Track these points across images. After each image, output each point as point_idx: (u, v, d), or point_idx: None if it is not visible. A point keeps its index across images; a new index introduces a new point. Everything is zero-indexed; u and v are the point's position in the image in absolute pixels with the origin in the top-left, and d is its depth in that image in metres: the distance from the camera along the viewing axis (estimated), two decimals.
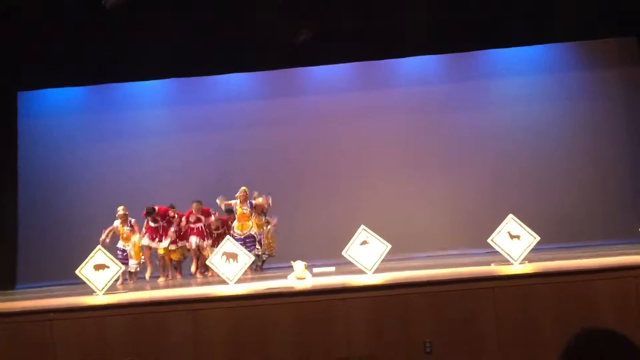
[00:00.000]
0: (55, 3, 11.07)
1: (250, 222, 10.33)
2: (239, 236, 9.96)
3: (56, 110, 13.24)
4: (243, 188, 10.43)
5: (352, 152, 12.58)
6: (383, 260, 7.37)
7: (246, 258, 7.44)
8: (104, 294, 7.14)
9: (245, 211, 10.33)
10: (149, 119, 13.26)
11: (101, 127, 13.16)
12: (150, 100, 13.41)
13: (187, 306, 5.41)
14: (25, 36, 11.46)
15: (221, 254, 7.44)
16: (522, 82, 12.81)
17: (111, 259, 7.46)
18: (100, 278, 7.25)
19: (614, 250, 8.18)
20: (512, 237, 7.19)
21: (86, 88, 13.22)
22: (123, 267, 7.64)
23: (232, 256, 7.43)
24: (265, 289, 6.02)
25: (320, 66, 12.96)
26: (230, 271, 7.27)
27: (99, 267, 7.28)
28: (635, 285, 5.32)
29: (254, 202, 10.45)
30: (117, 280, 8.39)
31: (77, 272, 7.37)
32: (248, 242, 10.07)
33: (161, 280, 9.75)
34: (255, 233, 10.37)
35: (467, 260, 9.08)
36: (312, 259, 8.49)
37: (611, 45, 12.60)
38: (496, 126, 12.62)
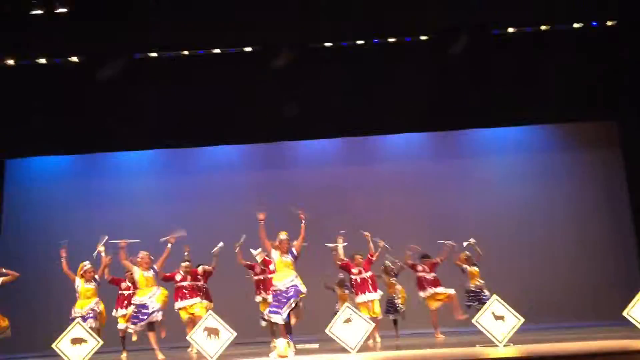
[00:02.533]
0: (46, 71, 11.33)
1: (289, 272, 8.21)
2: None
3: (43, 177, 13.27)
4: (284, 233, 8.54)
5: (338, 226, 12.59)
6: (366, 338, 7.28)
7: (228, 334, 7.29)
8: None
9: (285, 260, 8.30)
10: (135, 187, 13.31)
11: (87, 194, 13.19)
12: (135, 169, 13.50)
13: None
14: (15, 104, 11.62)
15: (202, 329, 7.30)
16: (505, 162, 13.11)
17: (89, 333, 7.28)
18: (76, 353, 7.05)
19: (598, 333, 8.14)
20: (496, 317, 7.16)
21: (73, 156, 13.31)
22: (101, 342, 7.42)
23: (213, 332, 7.29)
24: None
25: (307, 140, 13.19)
26: (211, 348, 7.11)
27: (76, 341, 7.10)
28: None
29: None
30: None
31: (53, 345, 7.17)
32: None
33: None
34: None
35: (452, 340, 8.98)
36: (296, 334, 8.33)
37: (592, 128, 12.98)
38: (480, 205, 12.79)
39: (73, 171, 13.53)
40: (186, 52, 11.67)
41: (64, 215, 12.97)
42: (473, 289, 10.10)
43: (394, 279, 10.51)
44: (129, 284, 9.41)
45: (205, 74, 11.76)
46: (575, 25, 11.53)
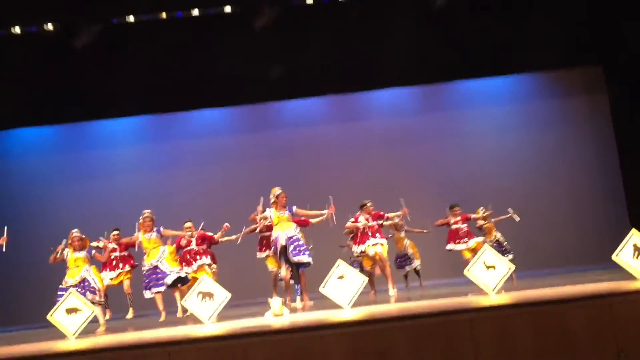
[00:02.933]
0: (24, 41, 11.08)
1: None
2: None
3: (26, 149, 13.09)
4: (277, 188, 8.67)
5: (327, 185, 12.60)
6: (361, 293, 7.34)
7: (222, 296, 7.32)
8: (76, 339, 6.97)
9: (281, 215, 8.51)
10: (121, 156, 13.19)
11: (72, 165, 13.07)
12: (122, 137, 13.35)
13: (161, 349, 5.29)
14: None
15: (197, 293, 7.32)
16: (491, 113, 13.13)
17: (84, 302, 7.29)
18: (72, 322, 7.07)
19: (587, 277, 8.26)
20: (487, 267, 7.23)
21: (56, 126, 13.12)
22: (96, 310, 7.45)
23: (208, 295, 7.31)
24: (242, 328, 5.92)
25: (294, 100, 13.08)
26: (205, 311, 7.15)
27: (71, 310, 7.11)
28: (610, 312, 5.35)
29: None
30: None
31: (48, 316, 7.18)
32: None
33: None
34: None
35: (444, 290, 9.08)
36: (291, 294, 8.42)
37: (577, 74, 12.95)
38: (467, 156, 12.84)
39: (54, 142, 13.35)
40: (164, 15, 11.40)
41: (49, 189, 12.86)
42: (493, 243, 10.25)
43: (403, 233, 10.58)
44: (115, 246, 9.51)
45: (185, 37, 11.55)
46: None
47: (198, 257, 9.28)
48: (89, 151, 13.15)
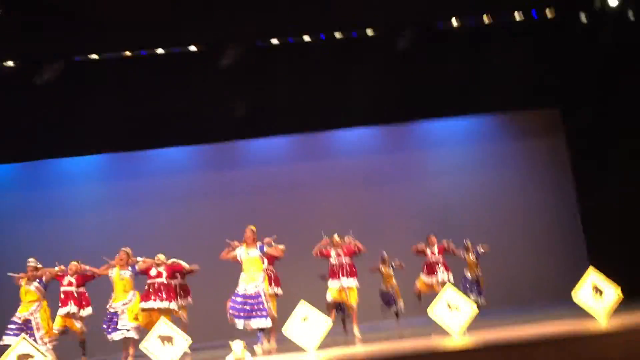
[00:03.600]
0: None
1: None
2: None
3: None
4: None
5: (290, 225, 12.53)
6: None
7: (182, 341, 7.12)
8: None
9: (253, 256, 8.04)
10: (83, 194, 12.93)
11: (33, 202, 12.77)
12: (85, 175, 13.11)
13: None
14: None
15: (156, 337, 7.10)
16: (453, 152, 13.37)
17: (36, 348, 6.99)
18: None
19: (548, 315, 8.31)
20: (451, 307, 7.21)
21: (18, 165, 12.85)
22: (50, 357, 7.14)
23: (167, 339, 7.11)
24: None
25: (258, 139, 13.08)
26: (165, 356, 6.93)
27: (22, 357, 6.80)
28: (576, 355, 5.37)
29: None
30: None
31: None
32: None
33: None
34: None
35: (407, 331, 9.02)
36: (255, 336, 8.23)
37: (535, 115, 13.29)
38: (432, 195, 12.97)
39: (17, 180, 13.03)
40: (128, 54, 11.34)
41: (8, 226, 12.50)
42: (469, 278, 10.41)
43: (390, 270, 10.52)
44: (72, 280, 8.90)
45: (149, 75, 11.48)
46: (517, 16, 11.73)
47: (165, 295, 8.71)
48: (50, 189, 12.86)
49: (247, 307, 7.75)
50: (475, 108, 12.83)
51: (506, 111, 13.26)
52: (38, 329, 8.03)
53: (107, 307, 8.35)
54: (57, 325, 8.61)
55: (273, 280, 9.04)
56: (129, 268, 8.40)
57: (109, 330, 8.21)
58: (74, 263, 9.05)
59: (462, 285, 10.58)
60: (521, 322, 7.98)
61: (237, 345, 7.01)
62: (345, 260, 9.00)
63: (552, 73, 12.19)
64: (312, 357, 6.51)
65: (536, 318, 8.22)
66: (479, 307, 10.06)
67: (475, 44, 11.83)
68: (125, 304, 8.20)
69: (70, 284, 8.86)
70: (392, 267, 10.65)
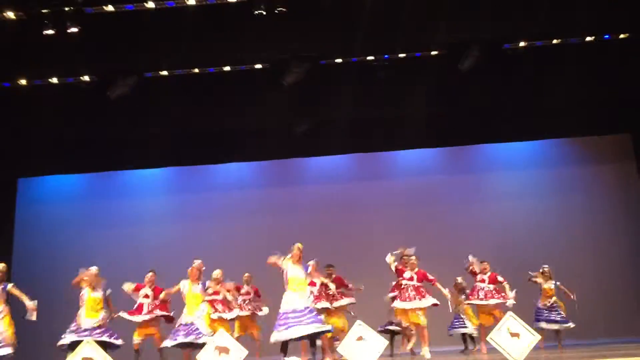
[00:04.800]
0: (57, 91, 11.43)
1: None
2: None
3: (55, 197, 13.32)
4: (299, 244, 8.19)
5: (349, 242, 12.52)
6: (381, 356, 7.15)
7: (239, 352, 7.17)
8: None
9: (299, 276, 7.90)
10: (148, 206, 13.32)
11: (100, 213, 13.24)
12: (150, 188, 13.52)
13: None
14: (26, 123, 11.73)
15: (213, 348, 7.18)
16: (517, 177, 13.02)
17: (100, 353, 7.18)
18: None
19: (616, 351, 7.93)
20: (512, 335, 7.00)
21: (86, 175, 13.37)
22: None
23: (223, 350, 7.17)
24: None
25: (319, 157, 13.17)
26: None
27: None
28: None
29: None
30: None
31: None
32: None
33: None
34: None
35: (465, 358, 8.80)
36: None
37: (605, 141, 12.85)
38: (492, 220, 12.67)
39: (85, 191, 13.58)
40: (196, 70, 11.70)
41: (76, 236, 12.99)
42: (541, 307, 10.11)
43: (462, 297, 10.24)
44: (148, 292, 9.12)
45: (215, 91, 11.79)
46: (588, 38, 11.41)
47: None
48: (117, 200, 13.33)
49: (299, 317, 7.68)
50: (541, 132, 12.53)
51: (573, 136, 12.89)
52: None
53: (180, 320, 8.37)
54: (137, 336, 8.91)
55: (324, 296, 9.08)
56: (200, 284, 8.49)
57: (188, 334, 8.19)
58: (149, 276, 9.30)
59: (535, 314, 10.19)
60: (585, 355, 7.65)
61: None
62: (417, 283, 8.89)
63: (622, 96, 11.78)
64: None
65: (601, 352, 7.86)
66: (560, 333, 9.94)
67: (542, 65, 11.57)
68: (200, 315, 8.30)
69: (146, 296, 9.08)
70: (465, 294, 10.31)
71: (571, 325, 10.11)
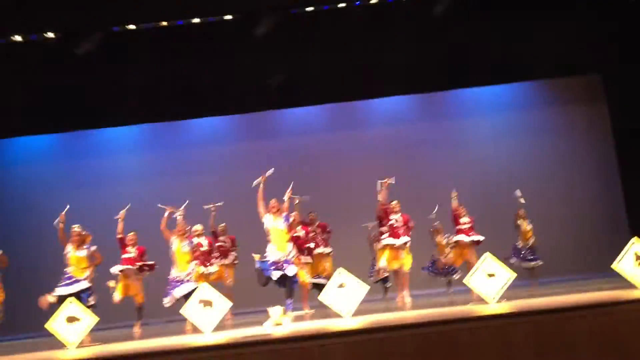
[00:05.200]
0: (25, 50, 11.12)
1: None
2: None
3: (28, 158, 13.11)
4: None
5: (328, 193, 12.60)
6: (362, 301, 7.31)
7: (223, 305, 7.30)
8: (76, 348, 6.96)
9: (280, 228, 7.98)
10: (124, 164, 13.21)
11: (74, 173, 13.10)
12: (124, 145, 13.37)
13: (160, 359, 5.28)
14: None
15: (197, 301, 7.29)
16: (491, 120, 13.15)
17: (84, 311, 7.27)
18: (72, 331, 7.05)
19: (588, 286, 8.25)
20: (488, 275, 7.21)
21: (58, 135, 13.16)
22: (97, 319, 7.40)
23: (207, 303, 7.29)
24: (242, 338, 5.91)
25: (294, 108, 13.10)
26: (205, 320, 7.12)
27: (71, 319, 7.09)
28: (612, 321, 5.34)
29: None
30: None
31: (46, 325, 7.16)
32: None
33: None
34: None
35: (444, 299, 9.07)
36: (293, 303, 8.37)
37: (576, 82, 12.97)
38: (468, 164, 12.83)
39: (57, 150, 13.40)
40: (165, 23, 11.43)
41: (50, 196, 12.85)
42: (519, 247, 10.40)
43: (444, 240, 10.49)
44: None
45: (186, 45, 11.57)
46: None
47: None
48: (90, 159, 13.18)
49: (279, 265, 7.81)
50: (514, 75, 12.58)
51: (545, 78, 12.98)
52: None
53: (171, 277, 8.45)
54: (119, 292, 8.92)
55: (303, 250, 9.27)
56: (186, 242, 8.57)
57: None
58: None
59: (513, 253, 10.54)
60: (559, 291, 7.94)
61: (276, 310, 7.16)
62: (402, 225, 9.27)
63: (591, 37, 11.84)
64: (349, 322, 6.61)
65: (574, 288, 8.17)
66: (534, 271, 10.33)
67: (513, 7, 11.53)
68: (189, 274, 8.38)
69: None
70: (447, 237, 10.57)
71: (540, 262, 10.51)
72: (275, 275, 7.66)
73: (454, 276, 10.53)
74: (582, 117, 13.10)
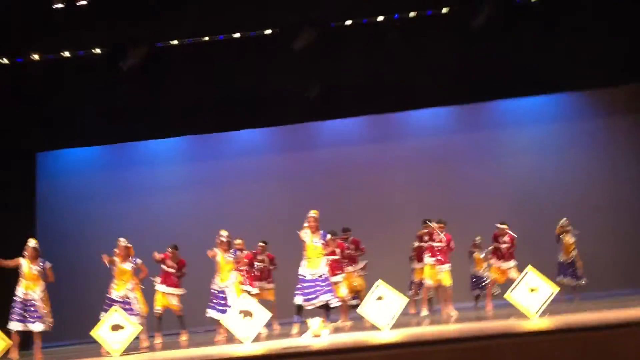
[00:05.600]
0: (74, 65, 11.49)
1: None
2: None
3: (74, 169, 13.52)
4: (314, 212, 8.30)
5: (365, 205, 12.62)
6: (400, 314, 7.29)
7: (262, 315, 7.36)
8: (120, 356, 7.11)
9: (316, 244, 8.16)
10: (165, 175, 13.50)
11: (118, 184, 13.43)
12: (166, 157, 13.66)
13: None
14: (42, 97, 11.84)
15: (237, 311, 7.37)
16: (532, 132, 12.94)
17: (127, 320, 7.43)
18: (116, 339, 7.22)
19: (635, 301, 8.02)
20: (531, 290, 7.09)
21: (103, 147, 13.53)
22: (141, 328, 7.56)
23: (247, 314, 7.36)
24: (282, 349, 5.94)
25: (332, 120, 13.17)
26: (245, 330, 7.20)
27: (115, 327, 7.25)
28: None
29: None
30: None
31: (91, 333, 7.34)
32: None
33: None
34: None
35: (484, 313, 8.96)
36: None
37: (620, 92, 12.69)
38: (507, 176, 12.67)
39: (103, 162, 13.77)
40: (206, 38, 11.66)
41: (97, 207, 13.22)
42: (562, 262, 10.40)
43: (482, 255, 10.59)
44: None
45: (226, 59, 11.76)
46: None
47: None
48: (134, 170, 13.52)
49: (316, 289, 7.94)
50: (556, 86, 12.37)
51: (588, 89, 12.72)
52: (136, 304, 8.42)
53: (213, 286, 8.66)
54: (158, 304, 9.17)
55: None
56: (231, 252, 8.76)
57: (218, 308, 8.51)
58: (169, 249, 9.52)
59: (558, 269, 10.37)
60: (604, 306, 7.75)
61: (315, 321, 7.19)
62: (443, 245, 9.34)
63: (634, 46, 11.57)
64: (387, 335, 6.60)
65: (620, 303, 7.96)
66: (576, 288, 10.07)
67: (556, 17, 11.36)
68: (230, 282, 8.56)
69: (172, 267, 9.41)
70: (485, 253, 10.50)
71: (583, 282, 10.28)
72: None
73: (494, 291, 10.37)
74: (625, 127, 12.79)
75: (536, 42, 11.55)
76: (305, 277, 8.06)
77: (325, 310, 8.09)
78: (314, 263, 8.04)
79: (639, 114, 12.70)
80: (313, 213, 8.25)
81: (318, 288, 8.00)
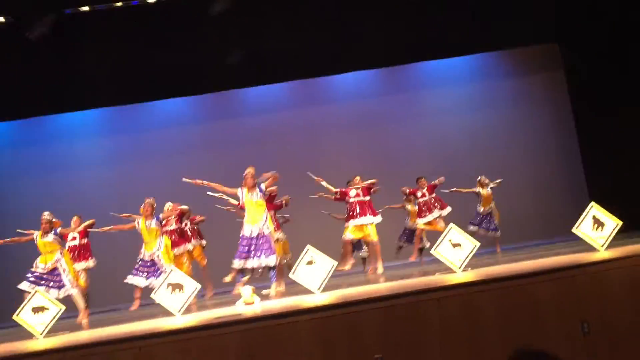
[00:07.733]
0: None
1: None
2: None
3: None
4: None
5: (293, 170, 12.59)
6: (331, 276, 7.39)
7: (192, 287, 7.29)
8: (44, 338, 6.88)
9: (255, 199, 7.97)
10: (86, 149, 13.00)
11: (35, 159, 12.84)
12: (86, 130, 13.14)
13: (132, 344, 5.25)
14: None
15: (166, 285, 7.27)
16: (452, 92, 13.29)
17: (50, 300, 7.18)
18: (39, 321, 6.97)
19: (549, 250, 8.46)
20: (453, 245, 7.35)
21: (18, 122, 12.86)
22: (63, 308, 7.31)
23: (177, 286, 7.27)
24: (214, 318, 5.91)
25: (256, 87, 13.01)
26: (175, 303, 7.11)
27: (37, 309, 7.00)
28: (573, 284, 5.51)
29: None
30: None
31: (14, 317, 7.06)
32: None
33: None
34: None
35: (412, 270, 9.22)
36: (264, 280, 8.43)
37: (534, 51, 13.16)
38: (434, 134, 12.99)
39: (18, 137, 13.10)
40: (119, 4, 11.16)
41: (14, 183, 12.64)
42: (481, 213, 10.76)
43: (416, 206, 10.76)
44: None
45: (143, 26, 11.33)
46: None
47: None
48: (49, 145, 12.93)
49: (253, 248, 7.86)
50: (472, 47, 12.69)
51: (503, 49, 13.12)
52: (65, 273, 8.13)
53: (140, 257, 8.52)
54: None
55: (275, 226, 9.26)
56: (154, 218, 8.53)
57: (149, 276, 8.39)
58: (75, 218, 9.31)
59: (475, 219, 10.78)
60: (522, 257, 8.14)
61: (246, 290, 7.19)
62: (365, 198, 9.31)
63: (548, 6, 11.96)
64: (319, 298, 6.68)
65: (537, 253, 8.38)
66: (495, 241, 10.41)
67: None
68: (159, 249, 8.38)
69: (73, 238, 9.29)
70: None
71: (498, 234, 10.76)
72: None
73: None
74: (540, 86, 13.33)
75: (452, 4, 11.73)
76: (244, 236, 7.89)
77: (268, 270, 8.04)
78: (254, 219, 7.90)
79: (552, 72, 13.22)
80: (249, 170, 8.16)
81: (258, 250, 7.88)
